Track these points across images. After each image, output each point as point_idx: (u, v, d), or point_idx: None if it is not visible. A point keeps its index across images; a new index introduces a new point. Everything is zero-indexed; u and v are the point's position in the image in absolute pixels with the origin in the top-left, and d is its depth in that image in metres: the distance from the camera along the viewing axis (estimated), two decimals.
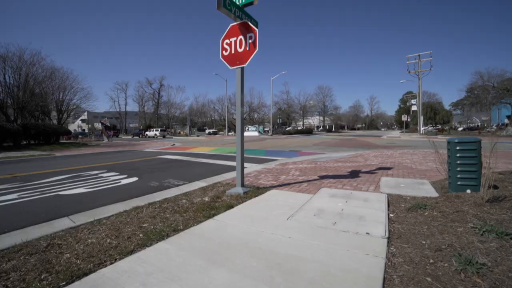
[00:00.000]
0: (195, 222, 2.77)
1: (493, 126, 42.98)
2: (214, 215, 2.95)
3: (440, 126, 44.06)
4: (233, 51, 3.98)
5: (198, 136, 42.47)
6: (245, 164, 7.44)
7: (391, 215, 2.82)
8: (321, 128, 77.60)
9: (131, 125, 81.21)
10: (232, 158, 9.17)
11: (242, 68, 3.96)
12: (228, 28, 4.04)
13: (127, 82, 75.13)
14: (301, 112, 69.16)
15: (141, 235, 2.48)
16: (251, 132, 42.67)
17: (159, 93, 70.72)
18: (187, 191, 4.37)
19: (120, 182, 5.42)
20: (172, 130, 59.31)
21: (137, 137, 47.84)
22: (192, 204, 3.48)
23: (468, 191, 3.39)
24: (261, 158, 9.39)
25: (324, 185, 4.39)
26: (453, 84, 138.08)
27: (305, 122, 74.56)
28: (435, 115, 44.52)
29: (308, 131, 48.22)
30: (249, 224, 2.61)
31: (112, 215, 3.17)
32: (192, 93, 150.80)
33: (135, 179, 5.74)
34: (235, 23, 3.96)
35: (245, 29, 3.85)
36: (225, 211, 3.09)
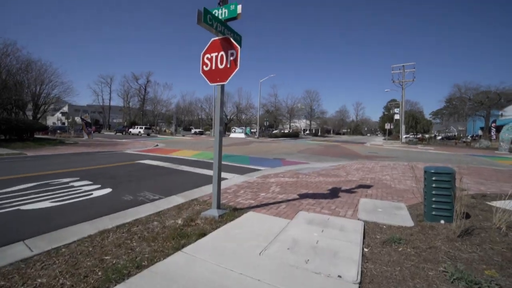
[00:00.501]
0: (162, 255, 2.59)
1: (468, 137, 45.07)
2: (184, 245, 2.79)
3: (420, 135, 45.77)
4: (213, 67, 3.83)
5: (183, 135, 41.72)
6: (227, 175, 7.31)
7: (365, 249, 2.78)
8: (307, 131, 78.54)
9: (114, 121, 78.64)
10: None
11: (222, 86, 3.82)
12: (210, 43, 3.88)
13: (112, 76, 72.28)
14: (288, 115, 69.63)
15: (100, 273, 2.28)
16: (237, 134, 42.45)
17: (145, 89, 68.87)
18: (161, 209, 4.17)
19: (92, 194, 5.12)
20: (158, 128, 57.98)
21: (120, 133, 46.32)
22: (163, 229, 3.29)
23: (442, 221, 3.43)
24: (243, 167, 9.26)
25: (302, 206, 4.33)
26: (433, 94, 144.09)
27: (292, 125, 75.21)
28: (416, 124, 46.21)
29: (294, 135, 48.64)
30: (219, 260, 2.47)
31: (74, 242, 2.93)
32: (179, 90, 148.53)
33: (108, 190, 5.44)
34: (216, 38, 3.81)
35: (227, 45, 3.72)
36: (196, 240, 2.93)
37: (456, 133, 74.77)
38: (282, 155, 13.62)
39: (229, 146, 19.55)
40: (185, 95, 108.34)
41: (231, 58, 3.65)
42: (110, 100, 73.89)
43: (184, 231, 3.18)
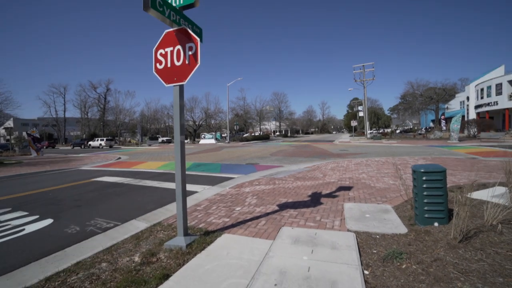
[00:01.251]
0: None
1: (423, 129, 49.03)
2: None
3: (382, 130, 48.77)
4: (169, 64, 3.17)
5: (150, 145, 39.34)
6: (197, 187, 6.58)
7: (366, 272, 2.33)
8: (277, 133, 79.50)
9: (72, 134, 71.92)
10: (186, 177, 8.17)
11: (181, 86, 3.17)
12: (163, 35, 3.22)
13: (65, 85, 66.14)
14: (258, 117, 69.80)
15: None
16: (207, 140, 41.22)
17: (105, 98, 64.12)
18: (114, 242, 3.36)
19: (24, 229, 4.08)
20: (122, 139, 54.03)
21: (79, 147, 42.29)
22: (114, 273, 2.53)
23: (436, 224, 3.15)
24: (215, 176, 8.56)
25: (284, 220, 3.82)
26: (391, 91, 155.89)
27: (262, 127, 75.53)
28: (378, 120, 49.19)
29: (265, 137, 48.69)
30: None
31: None
32: (143, 98, 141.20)
33: (48, 221, 4.42)
34: (171, 29, 3.17)
35: (184, 38, 3.09)
36: (157, 287, 2.24)
37: (411, 126, 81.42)
38: (255, 160, 13.14)
39: (199, 154, 18.59)
40: (149, 102, 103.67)
41: (190, 53, 3.03)
42: (64, 112, 67.53)
43: (141, 274, 2.47)
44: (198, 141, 43.74)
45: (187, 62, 3.04)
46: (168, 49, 3.18)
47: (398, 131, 59.41)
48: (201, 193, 6.09)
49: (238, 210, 4.44)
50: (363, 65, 35.43)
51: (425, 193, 3.13)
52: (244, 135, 51.63)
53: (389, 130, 48.27)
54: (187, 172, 9.55)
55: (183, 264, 2.62)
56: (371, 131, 42.28)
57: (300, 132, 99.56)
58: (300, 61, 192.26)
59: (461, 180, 5.96)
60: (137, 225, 4.08)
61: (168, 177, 8.73)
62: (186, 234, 3.22)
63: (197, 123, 60.57)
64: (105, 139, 40.34)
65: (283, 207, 4.50)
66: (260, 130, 72.25)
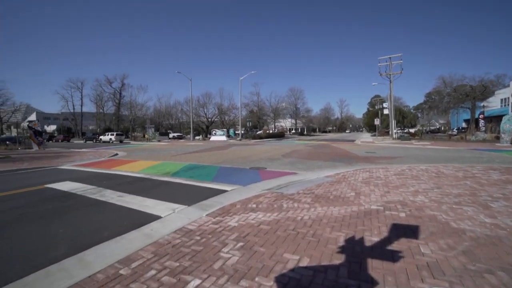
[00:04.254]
0: None
1: (454, 130, 44.34)
2: None
3: (407, 130, 44.56)
4: None
5: (159, 141, 38.01)
6: (164, 207, 4.34)
7: None
8: (293, 131, 76.51)
9: (91, 127, 72.95)
10: (163, 186, 5.97)
11: None
12: None
13: (83, 80, 66.89)
14: (273, 114, 67.10)
15: None
16: (218, 137, 39.24)
17: (120, 93, 64.14)
18: None
19: None
20: (134, 134, 53.47)
21: (91, 142, 41.91)
22: None
23: None
24: (202, 187, 6.31)
25: None
26: (415, 87, 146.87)
27: (277, 124, 72.84)
28: (403, 119, 44.97)
29: (279, 135, 46.09)
30: None
31: None
32: (155, 93, 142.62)
33: None
34: None
35: None
36: None
37: (438, 126, 75.38)
38: (263, 162, 10.76)
39: (202, 152, 16.48)
40: (161, 97, 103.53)
41: None
42: (81, 106, 68.61)
43: None
44: (209, 138, 41.95)
45: None
46: None
47: (424, 131, 54.67)
48: (163, 221, 3.84)
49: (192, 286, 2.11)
50: (390, 57, 31.83)
51: None
52: (258, 133, 49.27)
53: (414, 130, 43.98)
54: (170, 178, 7.38)
55: None
56: (396, 131, 38.52)
57: (317, 130, 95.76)
58: (318, 57, 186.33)
59: None
60: None
61: (143, 185, 6.59)
62: None
63: (209, 119, 58.91)
64: (115, 133, 39.57)
65: (289, 280, 2.12)
66: (275, 128, 69.63)
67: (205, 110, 60.19)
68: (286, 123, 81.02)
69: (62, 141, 47.01)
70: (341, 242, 2.87)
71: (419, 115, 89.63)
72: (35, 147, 22.44)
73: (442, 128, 70.64)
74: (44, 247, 3.15)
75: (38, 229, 3.72)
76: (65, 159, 13.56)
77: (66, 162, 11.95)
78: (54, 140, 46.81)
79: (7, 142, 28.19)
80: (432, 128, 70.82)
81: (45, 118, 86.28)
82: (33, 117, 79.81)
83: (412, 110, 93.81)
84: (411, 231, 3.06)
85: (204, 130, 57.23)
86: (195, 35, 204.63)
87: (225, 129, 44.88)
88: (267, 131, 56.99)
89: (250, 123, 49.65)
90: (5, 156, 14.95)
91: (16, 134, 26.67)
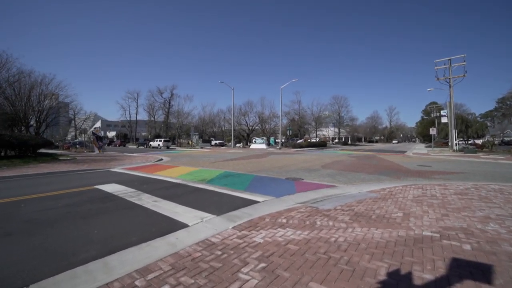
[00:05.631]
0: None
1: None
2: None
3: (474, 141, 38.79)
4: None
5: (201, 148, 39.85)
6: (193, 215, 4.22)
7: None
8: (336, 140, 73.20)
9: (143, 134, 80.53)
10: (196, 193, 5.97)
11: None
12: None
13: (138, 91, 74.79)
14: (314, 123, 65.21)
15: None
16: (258, 145, 39.47)
17: (169, 103, 69.69)
18: None
19: None
20: (180, 140, 57.21)
21: (142, 147, 46.17)
22: None
23: None
24: (234, 196, 6.17)
25: None
26: (480, 93, 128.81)
27: (319, 133, 70.48)
28: (467, 128, 39.36)
29: (321, 144, 44.38)
30: None
31: None
32: (199, 102, 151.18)
33: None
34: None
35: None
36: None
37: None
38: (300, 173, 10.27)
39: (239, 160, 16.59)
40: (205, 106, 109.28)
41: None
42: (136, 115, 76.07)
43: None
44: (249, 146, 42.50)
45: None
46: None
47: (496, 143, 47.18)
48: (189, 231, 3.75)
49: None
50: (449, 59, 28.34)
51: None
52: (298, 141, 48.28)
53: (481, 141, 37.92)
54: (204, 186, 7.44)
55: None
56: (458, 142, 33.86)
57: (363, 140, 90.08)
58: (364, 62, 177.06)
59: None
60: None
61: (178, 191, 6.74)
62: None
63: (250, 127, 59.87)
64: (163, 140, 42.73)
65: None
66: (316, 137, 67.46)
67: (246, 119, 61.42)
68: (328, 132, 77.99)
69: (119, 145, 52.97)
70: (382, 275, 2.37)
71: (489, 124, 77.74)
72: (96, 151, 25.41)
73: None
74: (78, 246, 3.29)
75: (78, 228, 3.96)
76: (117, 162, 14.93)
77: (118, 165, 13.11)
78: (112, 145, 52.82)
79: (77, 146, 32.62)
80: (508, 139, 60.63)
81: (107, 125, 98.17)
82: (98, 124, 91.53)
83: (479, 118, 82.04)
84: (480, 273, 2.39)
85: (245, 137, 58.30)
86: (238, 45, 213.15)
87: (265, 137, 45.05)
88: (308, 140, 55.46)
89: (291, 132, 48.93)
90: (72, 157, 17.16)
91: (83, 139, 30.64)
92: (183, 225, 4.02)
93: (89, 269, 2.69)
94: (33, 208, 5.08)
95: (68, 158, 16.91)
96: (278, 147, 38.41)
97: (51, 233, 3.78)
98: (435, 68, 29.05)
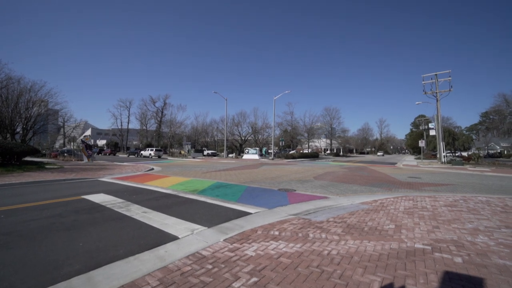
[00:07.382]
0: None
1: None
2: None
3: (460, 153, 39.85)
4: None
5: (193, 157, 39.46)
6: (184, 227, 4.10)
7: None
8: (328, 151, 73.93)
9: (134, 143, 79.32)
10: (187, 204, 5.83)
11: None
12: None
13: (131, 100, 74.07)
14: (307, 134, 65.84)
15: None
16: (250, 155, 39.42)
17: (162, 112, 69.21)
18: None
19: None
20: (172, 150, 56.56)
21: (133, 156, 45.30)
22: None
23: None
24: (226, 207, 6.08)
25: None
26: (466, 107, 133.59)
27: (311, 144, 71.08)
28: (454, 141, 40.47)
29: (313, 155, 44.69)
30: None
31: None
32: (192, 112, 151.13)
33: None
34: None
35: None
36: None
37: (499, 150, 66.35)
38: (293, 184, 10.25)
39: (231, 171, 16.47)
40: (198, 116, 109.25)
41: None
42: (128, 123, 75.18)
43: None
44: (242, 156, 42.37)
45: None
46: None
47: (481, 155, 48.51)
48: (179, 243, 3.64)
49: None
50: (436, 74, 29.46)
51: None
52: (290, 152, 48.46)
53: (467, 153, 39.06)
54: (195, 196, 7.31)
55: None
56: (446, 154, 34.70)
57: (354, 151, 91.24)
58: (356, 75, 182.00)
59: None
60: None
61: (169, 202, 6.59)
62: None
63: (243, 138, 59.89)
64: (154, 149, 42.18)
65: None
66: (309, 148, 67.96)
67: (239, 129, 61.52)
68: (320, 143, 78.81)
69: (109, 154, 51.85)
70: None
71: (474, 137, 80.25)
72: (85, 159, 24.78)
73: (506, 152, 61.96)
74: (61, 260, 3.13)
75: (62, 241, 3.79)
76: (107, 171, 14.58)
77: (107, 175, 12.79)
78: (102, 154, 51.65)
79: (65, 154, 31.77)
80: (492, 151, 62.60)
81: (98, 133, 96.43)
82: (88, 132, 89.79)
83: (464, 131, 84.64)
84: (472, 286, 2.39)
85: (238, 148, 58.17)
86: (231, 56, 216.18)
87: (257, 148, 45.04)
88: (301, 151, 55.78)
89: (283, 142, 49.18)
90: (60, 166, 16.66)
91: (72, 147, 29.94)
92: (173, 237, 3.91)
93: (72, 284, 2.56)
94: (14, 219, 4.86)
95: (55, 166, 16.41)
96: (270, 157, 38.42)
97: (33, 246, 3.60)
98: (423, 82, 30.09)
